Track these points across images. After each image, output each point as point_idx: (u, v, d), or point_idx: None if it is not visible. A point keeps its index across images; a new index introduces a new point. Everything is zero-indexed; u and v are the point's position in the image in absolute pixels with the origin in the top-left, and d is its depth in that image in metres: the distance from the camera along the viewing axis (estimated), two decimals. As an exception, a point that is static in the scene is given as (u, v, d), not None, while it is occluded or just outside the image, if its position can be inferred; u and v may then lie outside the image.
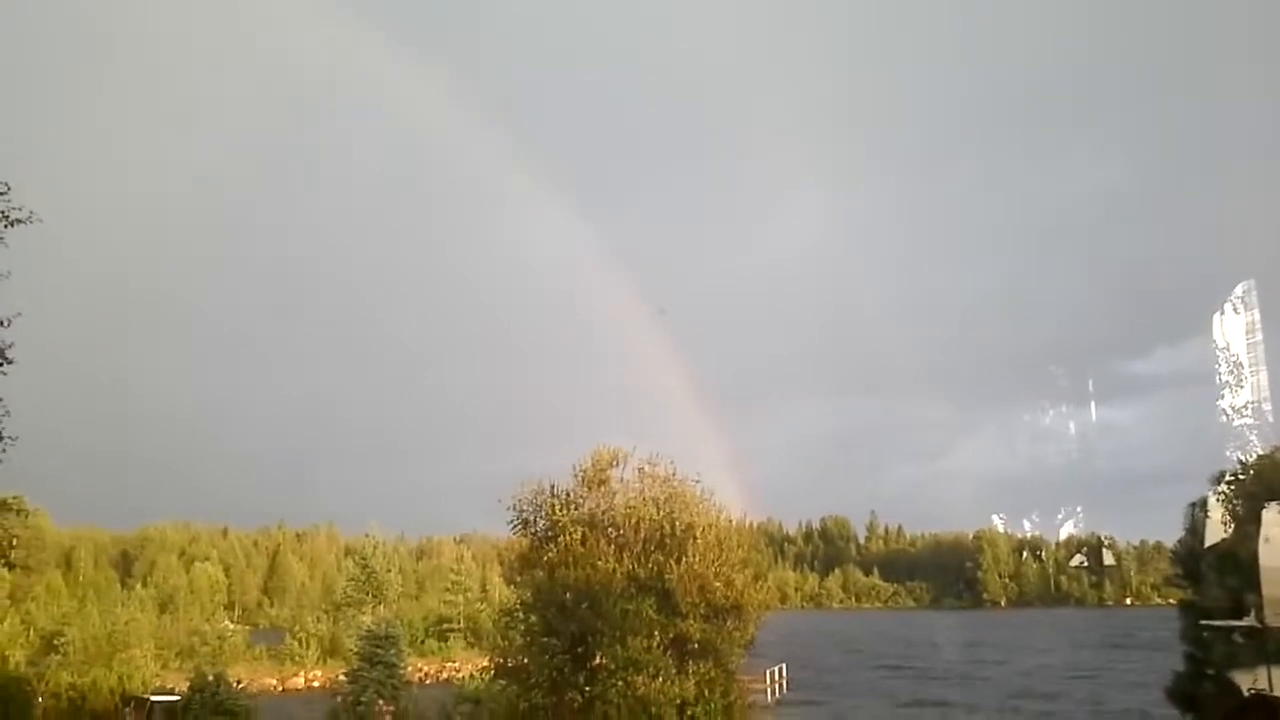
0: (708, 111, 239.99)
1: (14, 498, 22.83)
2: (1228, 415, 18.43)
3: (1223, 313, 19.19)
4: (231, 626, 75.70)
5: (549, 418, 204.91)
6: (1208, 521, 17.23)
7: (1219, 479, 17.36)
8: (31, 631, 58.71)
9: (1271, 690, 15.38)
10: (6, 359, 21.16)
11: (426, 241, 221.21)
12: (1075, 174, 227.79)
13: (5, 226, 20.92)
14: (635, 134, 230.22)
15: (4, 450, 21.15)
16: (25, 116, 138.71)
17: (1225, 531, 16.98)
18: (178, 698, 36.52)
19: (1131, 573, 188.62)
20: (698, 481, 22.48)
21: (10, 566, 25.14)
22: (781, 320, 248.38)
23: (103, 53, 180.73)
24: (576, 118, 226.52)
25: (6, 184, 20.81)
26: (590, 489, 21.90)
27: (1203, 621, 16.86)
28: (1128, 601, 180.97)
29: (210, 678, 37.84)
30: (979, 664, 69.18)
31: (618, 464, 22.39)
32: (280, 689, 61.72)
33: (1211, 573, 16.96)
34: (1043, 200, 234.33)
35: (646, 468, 22.28)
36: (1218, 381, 18.78)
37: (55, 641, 53.09)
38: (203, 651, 62.59)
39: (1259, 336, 18.66)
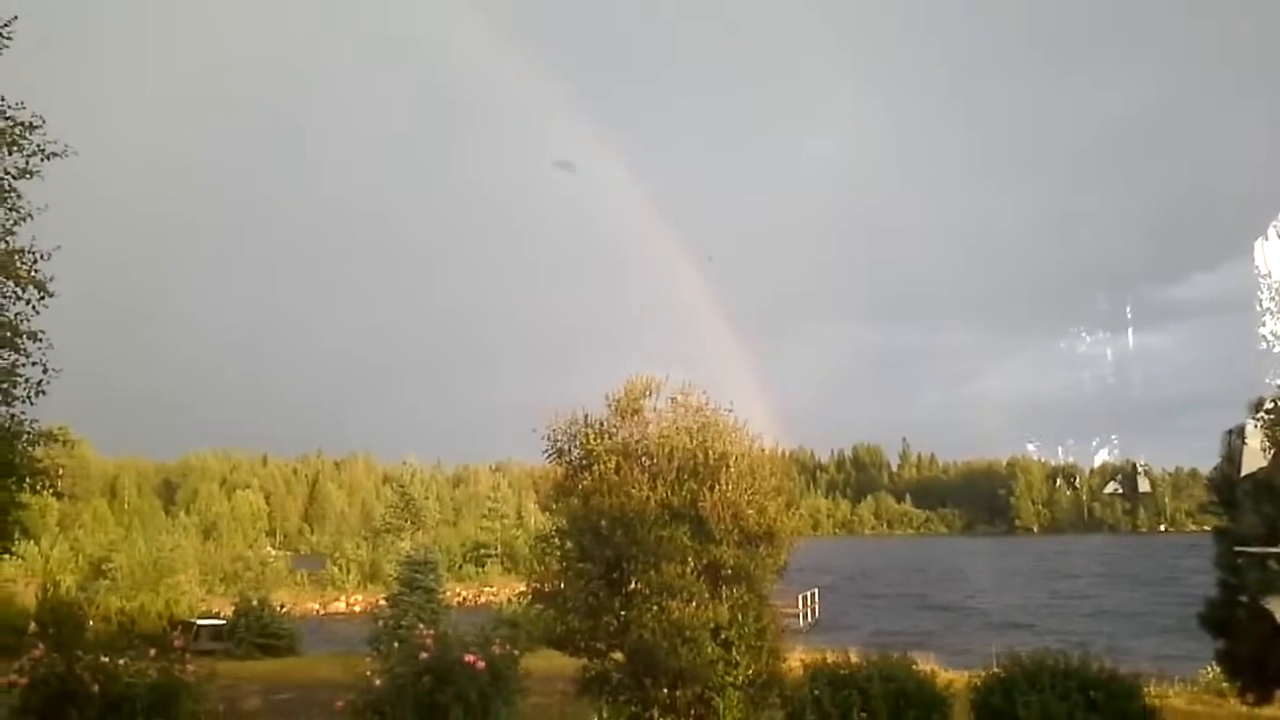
0: (737, 23, 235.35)
1: (59, 428, 23.22)
2: (1267, 342, 18.18)
3: (1266, 238, 18.82)
4: (274, 552, 77.36)
5: (583, 342, 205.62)
6: (1245, 449, 17.08)
7: (1257, 406, 17.17)
8: (80, 557, 60.21)
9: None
10: (48, 292, 21.48)
11: (451, 162, 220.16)
12: (1109, 95, 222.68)
13: (41, 160, 21.14)
14: (661, 47, 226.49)
15: (48, 382, 21.57)
16: (63, 52, 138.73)
17: (1263, 459, 16.85)
18: (223, 621, 37.46)
19: (1166, 499, 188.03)
20: (730, 410, 22.51)
21: (58, 495, 25.68)
22: (812, 244, 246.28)
23: None
24: (601, 26, 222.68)
25: (42, 118, 20.98)
26: (624, 418, 21.93)
27: (1237, 548, 16.82)
28: (1162, 528, 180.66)
29: (254, 602, 38.81)
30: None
31: (651, 393, 22.40)
32: (322, 613, 63.16)
33: (1247, 500, 16.86)
34: (1076, 122, 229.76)
35: (680, 397, 22.32)
36: (1258, 308, 18.49)
37: (103, 567, 54.23)
38: (246, 577, 64.06)
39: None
